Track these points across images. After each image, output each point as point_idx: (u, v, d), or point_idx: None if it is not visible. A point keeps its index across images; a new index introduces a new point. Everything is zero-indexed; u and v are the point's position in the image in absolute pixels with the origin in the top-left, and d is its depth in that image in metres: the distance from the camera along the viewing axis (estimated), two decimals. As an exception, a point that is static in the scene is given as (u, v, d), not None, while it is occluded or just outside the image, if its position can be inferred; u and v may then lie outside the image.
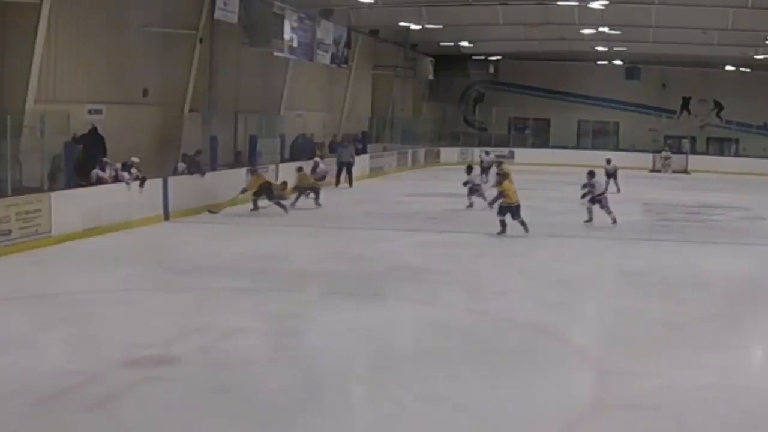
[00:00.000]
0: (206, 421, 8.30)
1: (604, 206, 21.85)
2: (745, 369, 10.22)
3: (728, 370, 9.89)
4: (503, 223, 19.36)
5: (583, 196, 22.42)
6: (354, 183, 30.94)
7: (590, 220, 22.31)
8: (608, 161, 29.10)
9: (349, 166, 30.98)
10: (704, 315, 12.84)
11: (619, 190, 28.28)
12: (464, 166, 26.90)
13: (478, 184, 24.75)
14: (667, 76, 46.64)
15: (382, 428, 8.38)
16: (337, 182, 29.64)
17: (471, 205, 23.80)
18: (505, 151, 43.18)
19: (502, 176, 20.46)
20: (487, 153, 33.69)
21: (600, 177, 23.80)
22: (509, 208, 19.38)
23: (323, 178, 26.15)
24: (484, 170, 30.14)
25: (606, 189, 24.98)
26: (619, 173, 31.84)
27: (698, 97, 47.05)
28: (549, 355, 10.95)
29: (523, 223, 19.26)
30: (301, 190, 24.26)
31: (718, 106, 47.06)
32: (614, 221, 21.66)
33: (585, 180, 22.33)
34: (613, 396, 9.17)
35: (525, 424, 8.20)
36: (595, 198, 22.02)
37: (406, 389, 9.24)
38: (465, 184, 24.79)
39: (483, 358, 10.45)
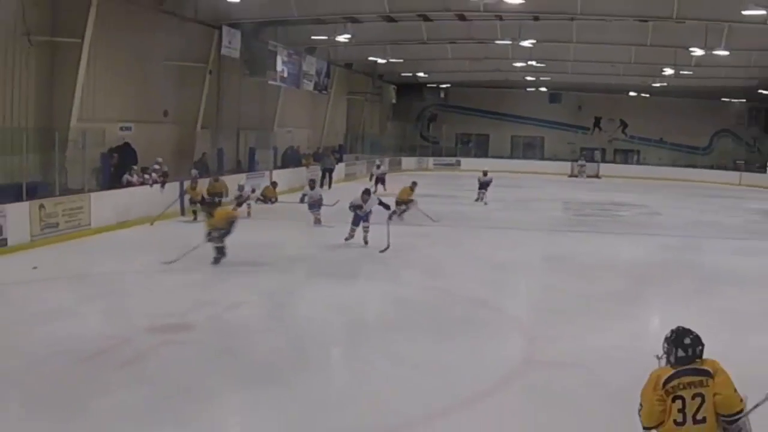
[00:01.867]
0: (215, 375, 8.37)
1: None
2: (645, 334, 10.18)
3: (631, 335, 10.04)
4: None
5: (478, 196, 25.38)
6: (333, 185, 30.69)
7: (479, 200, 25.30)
8: (485, 173, 26.68)
9: (330, 172, 31.34)
10: (612, 291, 12.96)
11: (486, 203, 25.72)
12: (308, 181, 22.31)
13: (317, 200, 20.19)
14: (583, 100, 47.02)
15: (356, 382, 8.53)
16: (321, 185, 28.96)
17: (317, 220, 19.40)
18: (453, 160, 44.41)
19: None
20: (378, 166, 31.62)
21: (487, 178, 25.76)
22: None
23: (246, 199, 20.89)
24: (378, 180, 28.24)
25: (480, 197, 25.83)
26: (518, 181, 33.48)
27: (607, 117, 47.63)
28: (488, 323, 11.00)
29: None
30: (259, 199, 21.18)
31: (623, 124, 47.71)
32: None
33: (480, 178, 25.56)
34: (540, 355, 9.28)
35: (469, 378, 8.35)
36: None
37: (374, 351, 9.45)
38: (302, 199, 20.35)
39: (435, 326, 10.55)
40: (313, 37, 27.97)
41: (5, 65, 17.23)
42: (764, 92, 38.42)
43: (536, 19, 24.57)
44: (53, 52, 18.54)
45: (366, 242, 16.28)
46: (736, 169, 41.65)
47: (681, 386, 4.43)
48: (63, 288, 12.69)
